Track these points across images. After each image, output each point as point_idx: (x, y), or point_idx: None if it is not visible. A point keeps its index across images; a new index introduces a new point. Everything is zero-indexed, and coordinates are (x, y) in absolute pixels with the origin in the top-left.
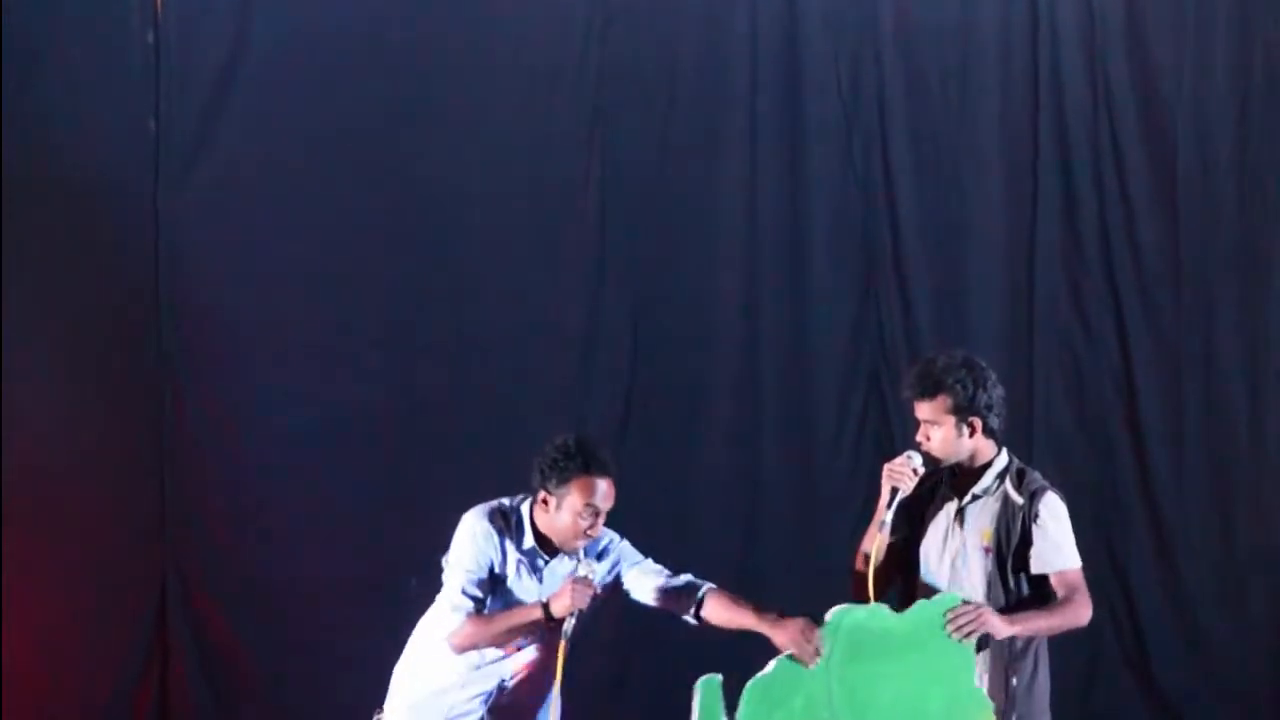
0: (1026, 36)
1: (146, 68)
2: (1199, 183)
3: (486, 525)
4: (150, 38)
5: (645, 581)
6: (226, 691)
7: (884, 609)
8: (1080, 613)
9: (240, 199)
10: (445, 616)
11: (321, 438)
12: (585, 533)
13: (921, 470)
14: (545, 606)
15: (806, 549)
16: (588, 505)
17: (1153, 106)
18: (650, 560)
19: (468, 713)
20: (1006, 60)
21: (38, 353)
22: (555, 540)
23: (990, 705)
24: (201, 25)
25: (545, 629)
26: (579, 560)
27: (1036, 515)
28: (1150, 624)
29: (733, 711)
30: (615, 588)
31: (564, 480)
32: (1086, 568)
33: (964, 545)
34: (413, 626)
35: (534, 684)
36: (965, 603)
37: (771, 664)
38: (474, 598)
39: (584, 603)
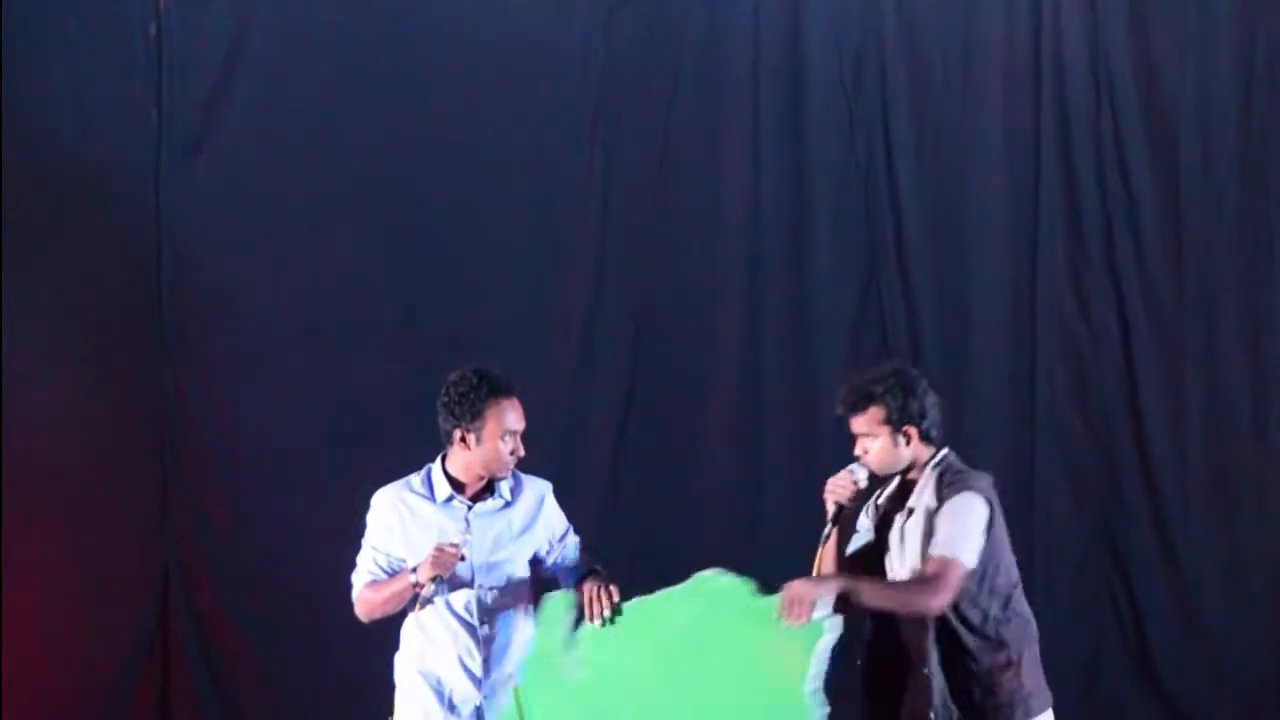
0: (1029, 27)
1: (149, 58)
2: (1201, 174)
3: (388, 497)
4: (152, 29)
5: (565, 557)
6: (228, 683)
7: (749, 586)
8: (924, 598)
9: (242, 189)
10: (354, 585)
11: (324, 431)
12: (511, 454)
13: (864, 484)
14: (414, 572)
15: (808, 542)
16: (508, 429)
17: (1155, 97)
18: (573, 541)
19: (467, 697)
20: (1009, 50)
21: (39, 343)
22: (483, 472)
23: (816, 716)
24: (203, 16)
25: (416, 594)
26: (501, 498)
27: (940, 509)
28: (1152, 616)
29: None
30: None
31: (477, 413)
32: (1089, 558)
33: (917, 555)
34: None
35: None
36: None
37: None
38: (370, 569)
39: (444, 569)
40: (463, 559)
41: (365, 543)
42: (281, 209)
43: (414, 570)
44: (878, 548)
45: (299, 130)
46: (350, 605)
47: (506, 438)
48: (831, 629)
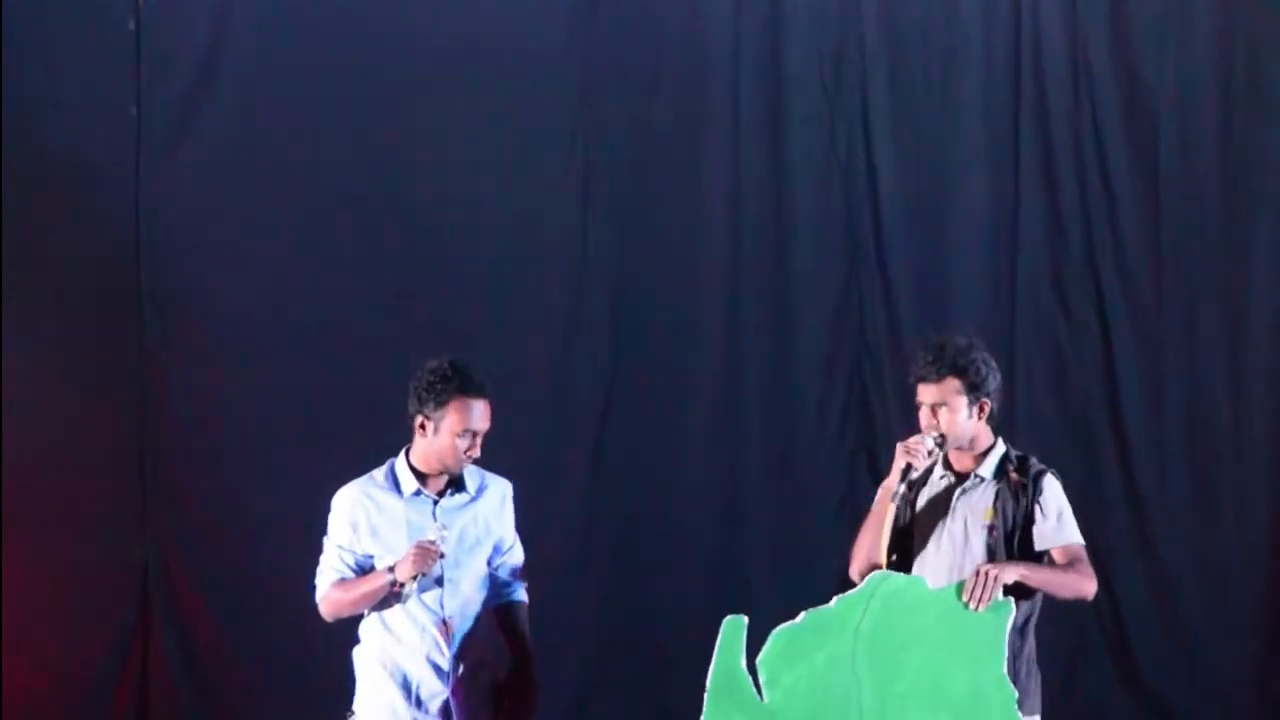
0: (1009, 24)
1: (127, 54)
2: (1181, 170)
3: (349, 492)
4: (131, 24)
5: (501, 568)
6: (208, 681)
7: (922, 581)
8: (1085, 583)
9: (222, 186)
10: (316, 582)
11: (304, 427)
12: (465, 453)
13: (935, 452)
14: (392, 570)
15: (788, 538)
16: (466, 428)
17: (1135, 93)
18: (518, 555)
19: (435, 693)
20: (989, 48)
21: (18, 339)
22: (437, 465)
23: (1015, 694)
24: (183, 11)
25: (394, 593)
26: (466, 494)
27: (1040, 494)
28: (1132, 613)
29: (753, 656)
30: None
31: (441, 403)
32: None
33: (965, 526)
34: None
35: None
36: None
37: (801, 616)
38: (336, 568)
39: (426, 567)
40: (442, 556)
41: (329, 542)
42: (261, 204)
43: (391, 569)
44: (907, 520)
45: (278, 125)
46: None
47: (465, 435)
48: (1013, 607)
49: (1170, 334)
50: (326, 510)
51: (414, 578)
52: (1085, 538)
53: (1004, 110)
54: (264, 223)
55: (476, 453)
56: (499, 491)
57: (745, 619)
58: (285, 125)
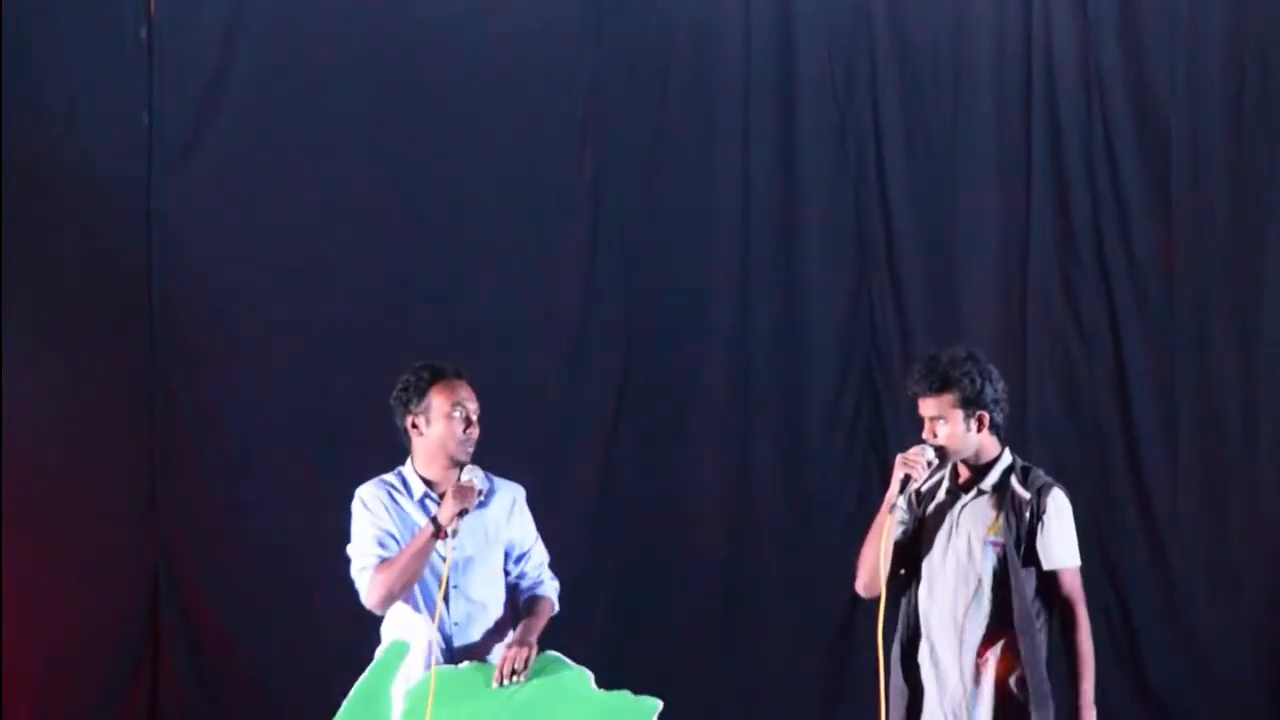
0: (1020, 33)
1: (139, 62)
2: (1192, 179)
3: (369, 489)
4: (143, 32)
5: (525, 573)
6: (217, 687)
7: (587, 677)
8: (1088, 640)
9: (233, 193)
10: (357, 586)
11: (313, 432)
12: (464, 433)
13: (935, 463)
14: (433, 520)
15: (797, 545)
16: (455, 405)
17: (1146, 103)
18: (539, 555)
19: None
20: (1000, 57)
21: (30, 346)
22: (443, 456)
23: None
24: (194, 19)
25: (441, 540)
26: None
27: (1044, 510)
28: (1142, 621)
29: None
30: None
31: (422, 394)
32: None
33: (969, 540)
34: None
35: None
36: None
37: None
38: (375, 553)
39: (468, 503)
40: (481, 494)
41: (362, 532)
42: (272, 212)
43: (433, 519)
44: (914, 534)
45: (289, 133)
46: (342, 603)
47: (456, 412)
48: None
49: (1181, 342)
50: (338, 513)
51: (459, 515)
52: (1097, 546)
53: (1015, 118)
54: (274, 231)
55: (475, 432)
56: (509, 496)
57: (409, 644)
58: (296, 133)
